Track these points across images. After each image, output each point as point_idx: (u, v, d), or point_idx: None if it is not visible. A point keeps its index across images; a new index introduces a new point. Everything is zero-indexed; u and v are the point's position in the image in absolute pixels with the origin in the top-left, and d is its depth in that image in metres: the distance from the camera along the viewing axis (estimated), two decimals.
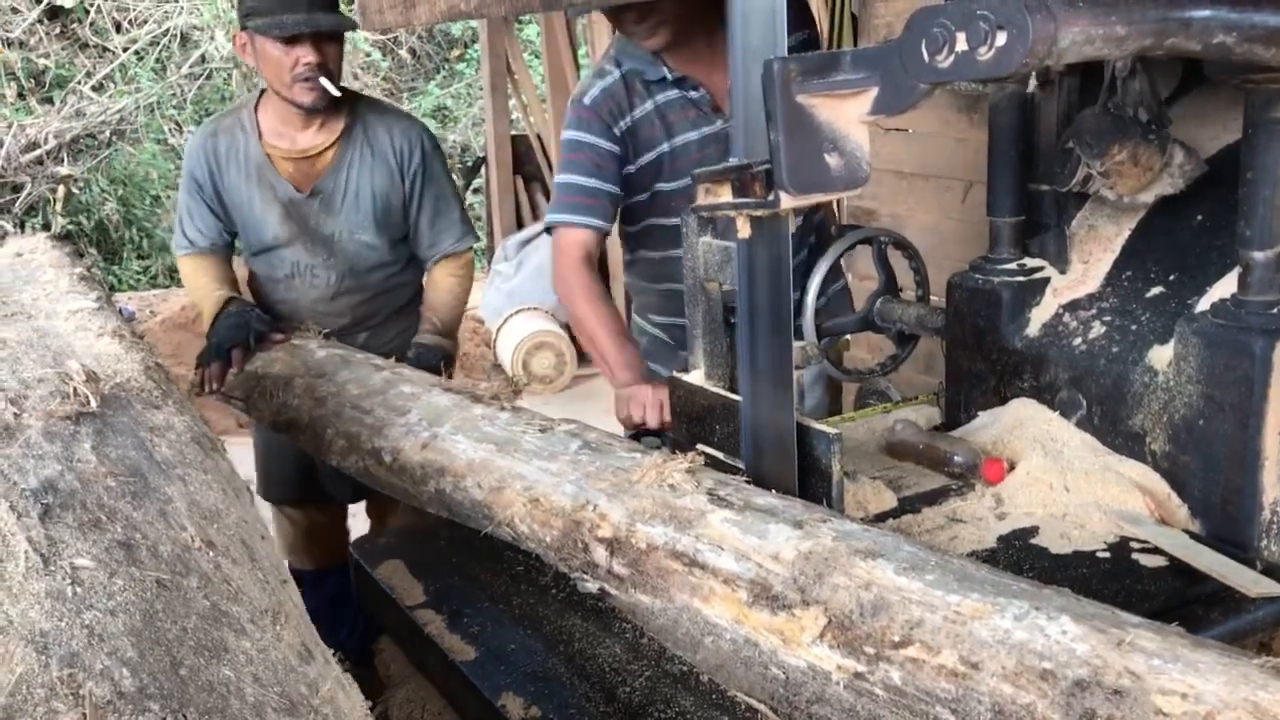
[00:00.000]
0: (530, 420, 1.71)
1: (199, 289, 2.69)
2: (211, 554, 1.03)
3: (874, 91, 1.32)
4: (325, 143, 2.62)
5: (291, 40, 2.46)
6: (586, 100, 2.49)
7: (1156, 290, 1.80)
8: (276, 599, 1.05)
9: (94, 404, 1.19)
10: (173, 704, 0.78)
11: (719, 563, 1.26)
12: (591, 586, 1.46)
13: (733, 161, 1.57)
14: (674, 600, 1.31)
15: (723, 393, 1.78)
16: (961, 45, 1.21)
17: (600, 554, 1.40)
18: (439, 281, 2.73)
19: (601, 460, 1.51)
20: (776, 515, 1.29)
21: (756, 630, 1.21)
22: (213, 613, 0.93)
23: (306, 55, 2.48)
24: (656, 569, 1.33)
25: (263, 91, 2.67)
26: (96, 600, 0.86)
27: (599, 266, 2.54)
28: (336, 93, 2.53)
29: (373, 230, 2.66)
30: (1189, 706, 0.91)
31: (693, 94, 2.48)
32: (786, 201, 1.37)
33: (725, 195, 1.55)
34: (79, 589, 0.87)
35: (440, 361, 2.52)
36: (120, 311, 1.75)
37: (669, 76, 2.46)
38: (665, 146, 2.49)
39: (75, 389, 1.21)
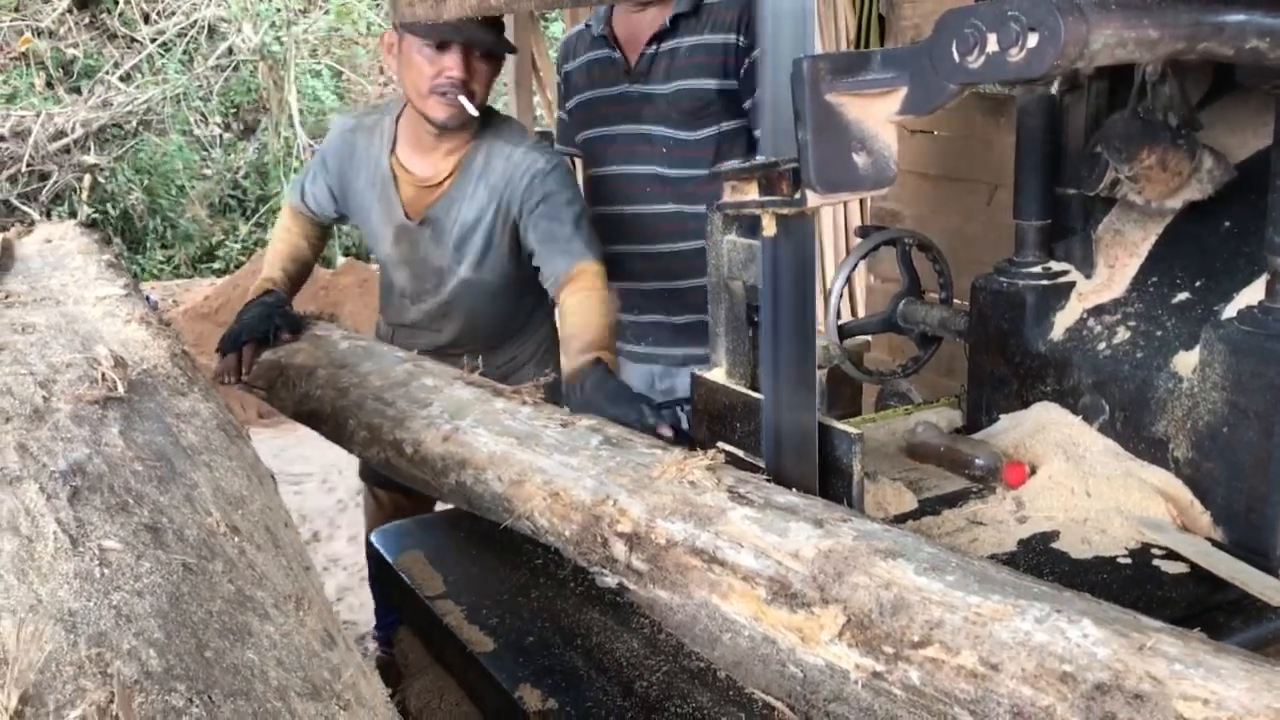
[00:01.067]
0: (551, 415, 1.71)
1: (271, 253, 2.66)
2: (236, 539, 1.04)
3: (903, 91, 1.32)
4: (444, 172, 2.47)
5: (441, 48, 2.31)
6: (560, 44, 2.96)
7: (1182, 296, 1.79)
8: (300, 585, 1.05)
9: (121, 389, 1.21)
10: (198, 685, 0.78)
11: (738, 560, 1.26)
12: (610, 581, 1.46)
13: (759, 159, 1.57)
14: (693, 596, 1.30)
15: (744, 391, 1.79)
16: (992, 46, 1.21)
17: (620, 549, 1.40)
18: (566, 308, 2.34)
19: (622, 456, 1.51)
20: (797, 513, 1.29)
21: (775, 628, 1.20)
22: (237, 597, 0.94)
23: (453, 68, 2.31)
24: (676, 565, 1.33)
25: (406, 103, 2.52)
26: (124, 582, 0.87)
27: None
28: (474, 112, 2.37)
29: (479, 266, 2.50)
30: (1211, 713, 0.90)
31: (613, 54, 2.73)
32: (813, 200, 1.37)
33: (752, 193, 1.56)
34: (107, 570, 0.88)
35: (606, 380, 2.07)
36: (146, 299, 1.77)
37: (597, 33, 2.76)
38: (583, 97, 2.80)
39: (103, 374, 1.22)
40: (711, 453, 1.49)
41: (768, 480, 1.48)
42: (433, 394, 1.83)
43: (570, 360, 2.19)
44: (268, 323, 2.29)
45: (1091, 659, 0.98)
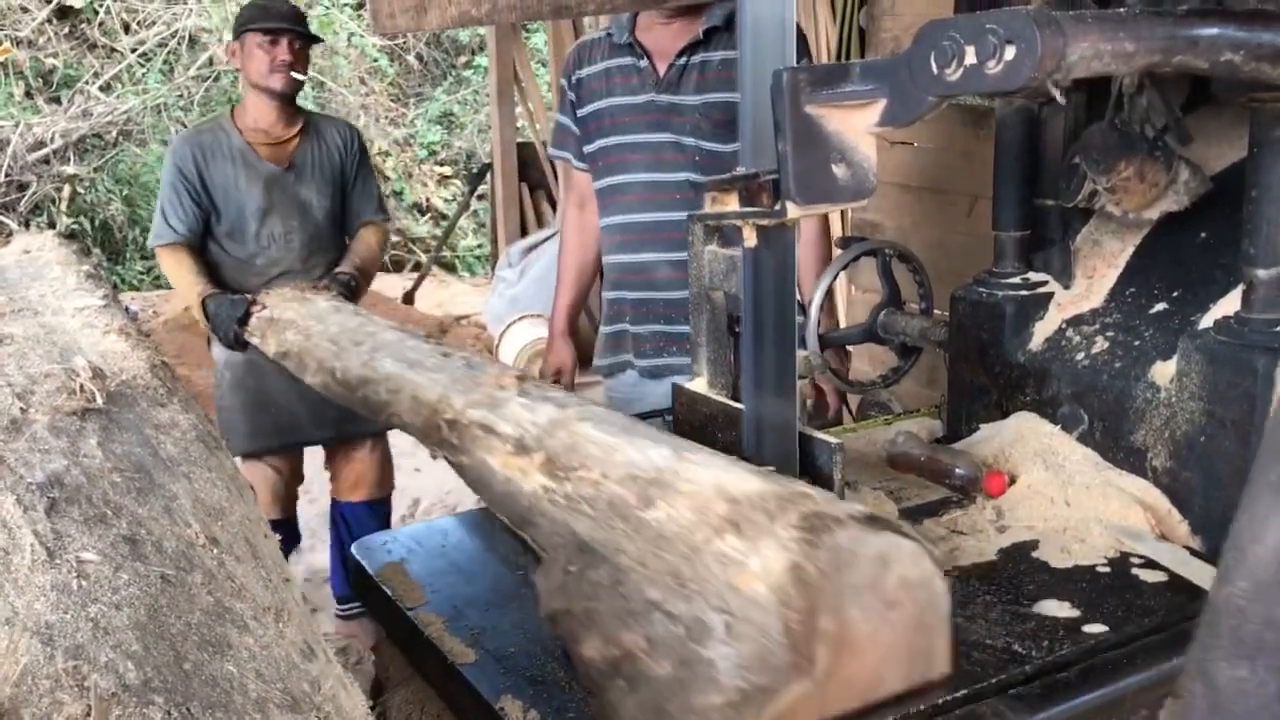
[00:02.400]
0: (438, 348, 2.08)
1: (183, 280, 3.26)
2: (215, 551, 1.03)
3: (882, 103, 1.33)
4: (291, 133, 3.40)
5: (274, 41, 3.27)
6: (570, 50, 2.92)
7: (1160, 306, 1.80)
8: (279, 597, 1.05)
9: (100, 400, 1.20)
10: (176, 698, 0.78)
11: (501, 429, 1.61)
12: (439, 455, 1.76)
13: (740, 170, 1.58)
14: (476, 457, 1.65)
15: (725, 401, 1.79)
16: (970, 59, 1.22)
17: (445, 431, 1.74)
18: (364, 237, 3.52)
19: (471, 374, 1.85)
20: (553, 402, 1.64)
21: (511, 470, 1.57)
22: (216, 609, 0.93)
23: (283, 53, 3.27)
24: (470, 436, 1.68)
25: (233, 107, 3.44)
26: (101, 594, 0.86)
27: None
28: (302, 78, 3.36)
29: (334, 196, 3.45)
30: (689, 487, 1.30)
31: (640, 63, 2.69)
32: (793, 211, 1.38)
33: (732, 204, 1.56)
34: (84, 582, 0.87)
35: (355, 285, 3.27)
36: (125, 310, 1.76)
37: (621, 41, 2.71)
38: (600, 104, 2.75)
39: (81, 385, 1.21)
40: (519, 372, 1.83)
41: (569, 391, 1.76)
42: (369, 337, 2.25)
43: (347, 263, 3.38)
44: (241, 304, 2.94)
45: (653, 466, 1.38)
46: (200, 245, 3.32)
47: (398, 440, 3.42)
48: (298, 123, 3.42)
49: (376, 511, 3.68)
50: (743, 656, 1.20)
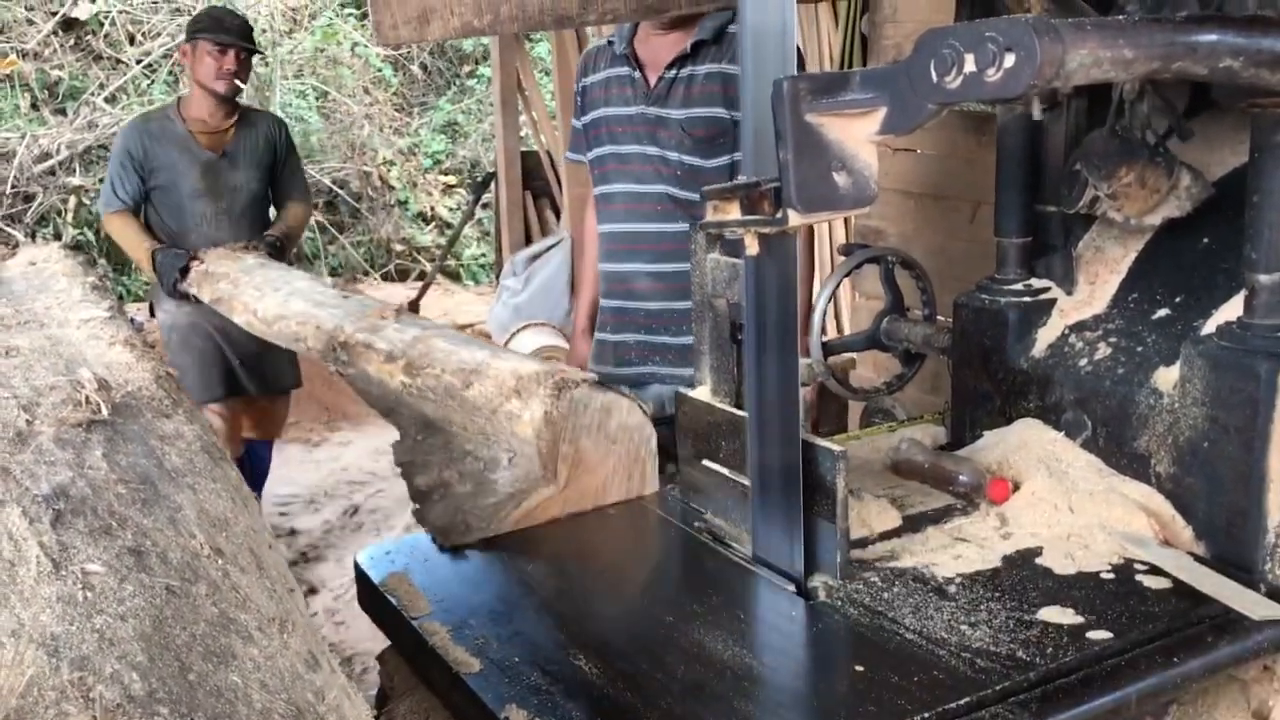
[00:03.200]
0: (341, 291, 2.67)
1: (132, 239, 3.89)
2: (220, 562, 1.04)
3: (883, 111, 1.33)
4: (227, 124, 3.97)
5: (223, 51, 3.83)
6: (581, 56, 3.02)
7: (1162, 312, 1.80)
8: (284, 607, 1.05)
9: (105, 412, 1.21)
10: (181, 708, 0.78)
11: (378, 345, 2.17)
12: (334, 370, 2.33)
13: (741, 179, 1.58)
14: (359, 368, 2.20)
15: (729, 409, 1.79)
16: (970, 66, 1.22)
17: (339, 351, 2.28)
18: (291, 209, 4.16)
19: (360, 308, 2.44)
20: (419, 326, 2.24)
21: (383, 373, 2.12)
22: (221, 620, 0.93)
23: (230, 63, 3.86)
24: (357, 353, 2.23)
25: (179, 99, 4.05)
26: (107, 605, 0.87)
27: None
28: (243, 87, 3.97)
29: (262, 180, 4.04)
30: (494, 373, 1.91)
31: (634, 74, 2.72)
32: (795, 219, 1.38)
33: (734, 213, 1.56)
34: (89, 594, 0.87)
35: (281, 245, 3.91)
36: (130, 321, 1.78)
37: (619, 51, 2.74)
38: (599, 113, 2.79)
39: (87, 397, 1.22)
40: (399, 306, 2.38)
41: (439, 326, 2.26)
42: (287, 285, 2.78)
43: (275, 229, 4.03)
44: (182, 257, 3.64)
45: (475, 360, 1.97)
46: (142, 216, 3.94)
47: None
48: (234, 115, 4.00)
49: (268, 445, 4.49)
50: (515, 476, 1.83)
